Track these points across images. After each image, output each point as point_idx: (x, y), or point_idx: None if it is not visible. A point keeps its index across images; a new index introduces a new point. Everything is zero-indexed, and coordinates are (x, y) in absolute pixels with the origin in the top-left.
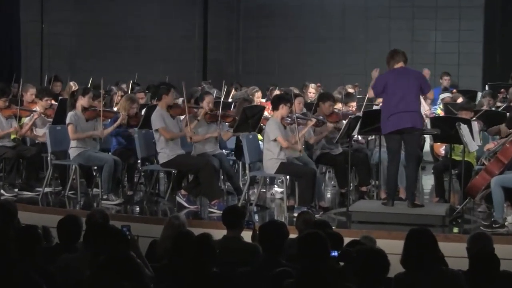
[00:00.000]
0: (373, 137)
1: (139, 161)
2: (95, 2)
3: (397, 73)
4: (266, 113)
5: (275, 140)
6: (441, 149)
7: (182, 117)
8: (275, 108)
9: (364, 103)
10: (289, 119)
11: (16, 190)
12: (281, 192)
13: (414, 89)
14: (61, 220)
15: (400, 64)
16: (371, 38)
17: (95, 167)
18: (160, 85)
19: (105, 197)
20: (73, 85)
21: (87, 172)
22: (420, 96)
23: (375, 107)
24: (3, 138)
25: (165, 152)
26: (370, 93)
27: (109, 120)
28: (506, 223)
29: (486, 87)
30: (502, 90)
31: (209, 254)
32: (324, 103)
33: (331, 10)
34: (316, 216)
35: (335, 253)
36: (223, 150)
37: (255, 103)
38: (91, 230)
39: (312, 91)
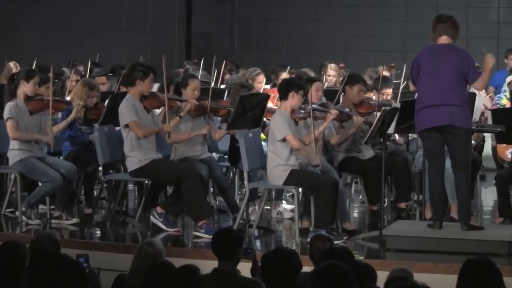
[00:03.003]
0: (416, 136)
1: (100, 168)
2: None
3: (435, 52)
4: (271, 104)
5: (283, 140)
6: (507, 152)
7: (158, 110)
8: (283, 97)
9: (400, 91)
10: (303, 112)
11: None
12: (292, 210)
13: (455, 74)
14: None
15: (444, 39)
16: (413, 3)
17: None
18: (135, 66)
19: (23, 209)
20: (13, 67)
21: (31, 183)
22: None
23: None
24: None
25: (136, 157)
26: (411, 86)
27: (60, 113)
28: None
29: None
30: None
31: None
32: (352, 88)
33: None
34: (338, 242)
35: None
36: (214, 154)
37: (256, 91)
38: (36, 261)
39: (332, 74)
